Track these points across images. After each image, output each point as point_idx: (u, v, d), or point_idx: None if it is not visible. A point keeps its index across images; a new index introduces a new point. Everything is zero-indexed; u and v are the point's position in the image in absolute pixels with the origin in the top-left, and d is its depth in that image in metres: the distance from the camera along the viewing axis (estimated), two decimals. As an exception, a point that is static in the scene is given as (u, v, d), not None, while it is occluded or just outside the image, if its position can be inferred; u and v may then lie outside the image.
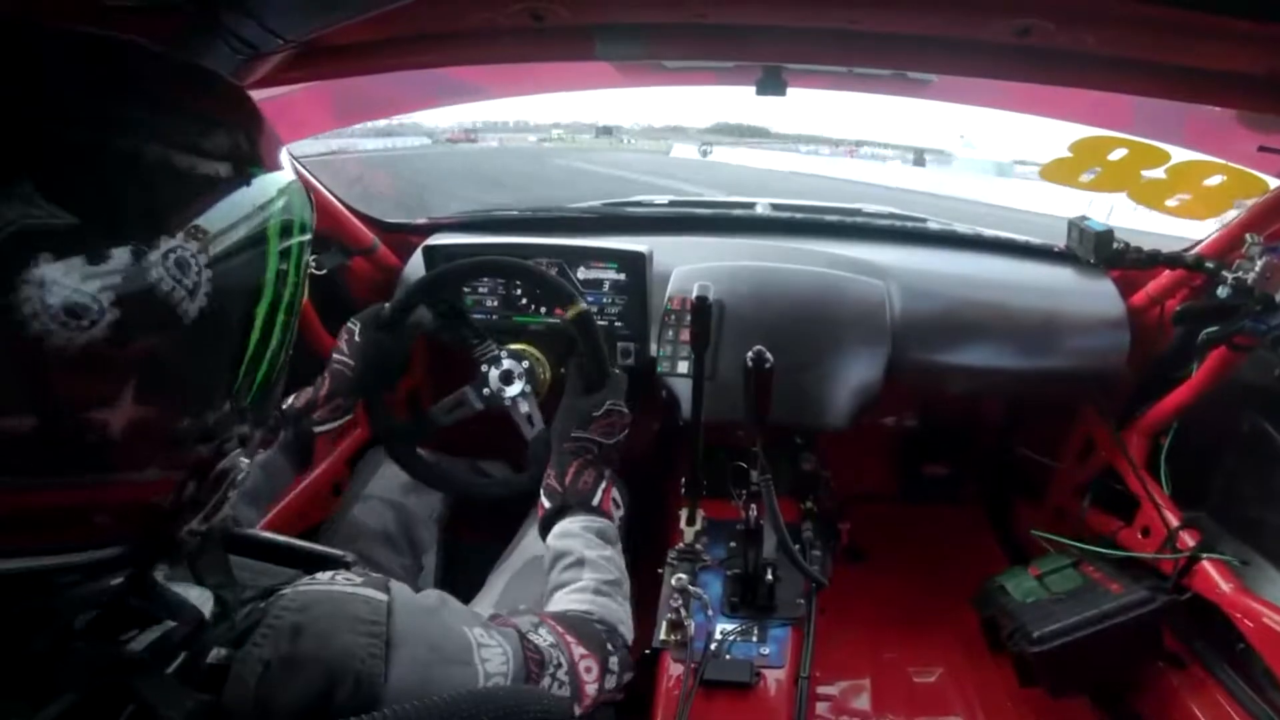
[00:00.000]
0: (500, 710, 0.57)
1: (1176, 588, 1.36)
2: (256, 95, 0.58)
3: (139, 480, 0.49)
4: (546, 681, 0.75)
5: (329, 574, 0.64)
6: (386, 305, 1.30)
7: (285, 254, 0.56)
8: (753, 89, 1.33)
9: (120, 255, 0.44)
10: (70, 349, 0.42)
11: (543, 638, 0.79)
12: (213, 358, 0.52)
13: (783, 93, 1.32)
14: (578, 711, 0.80)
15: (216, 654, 0.54)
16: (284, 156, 0.59)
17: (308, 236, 0.60)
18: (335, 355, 1.27)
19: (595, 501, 1.08)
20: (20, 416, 0.43)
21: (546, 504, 1.10)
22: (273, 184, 0.55)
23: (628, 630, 0.94)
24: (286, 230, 0.56)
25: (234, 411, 0.54)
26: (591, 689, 0.82)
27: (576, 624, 0.86)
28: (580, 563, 0.99)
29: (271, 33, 0.84)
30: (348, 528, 1.38)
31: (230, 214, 0.50)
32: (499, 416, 1.35)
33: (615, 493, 1.41)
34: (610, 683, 0.86)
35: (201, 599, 0.57)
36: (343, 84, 1.34)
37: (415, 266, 1.76)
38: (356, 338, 1.27)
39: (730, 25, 1.14)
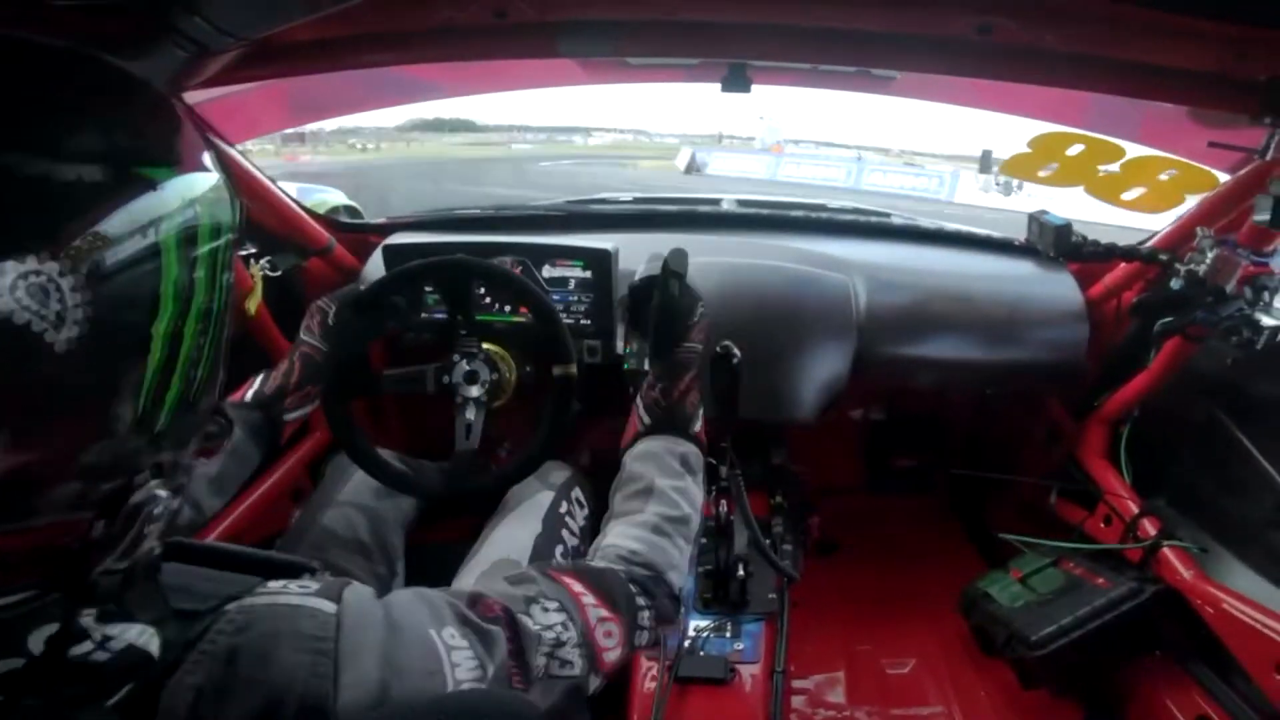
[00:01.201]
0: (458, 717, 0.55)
1: (1142, 576, 1.38)
2: (208, 94, 0.55)
3: (34, 526, 0.44)
4: (542, 661, 0.69)
5: (281, 583, 0.58)
6: (362, 286, 1.25)
7: (194, 262, 0.50)
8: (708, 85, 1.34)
9: None
10: None
11: (542, 611, 0.71)
12: (101, 387, 0.45)
13: (747, 89, 1.32)
14: (593, 683, 0.74)
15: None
16: (208, 157, 0.53)
17: (223, 240, 0.54)
18: (304, 338, 1.21)
19: (695, 429, 0.99)
20: None
21: (646, 419, 0.98)
22: (174, 186, 0.49)
23: (679, 575, 0.85)
24: (191, 235, 0.49)
25: (143, 439, 0.49)
26: (612, 655, 0.75)
27: (603, 581, 0.78)
28: (648, 491, 0.89)
29: (221, 31, 0.81)
30: (317, 536, 1.32)
31: (112, 225, 0.44)
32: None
33: (579, 496, 1.40)
34: (642, 639, 0.79)
35: (144, 634, 0.51)
36: (298, 82, 1.30)
37: (375, 266, 1.71)
38: (330, 320, 1.22)
39: (696, 22, 1.14)
